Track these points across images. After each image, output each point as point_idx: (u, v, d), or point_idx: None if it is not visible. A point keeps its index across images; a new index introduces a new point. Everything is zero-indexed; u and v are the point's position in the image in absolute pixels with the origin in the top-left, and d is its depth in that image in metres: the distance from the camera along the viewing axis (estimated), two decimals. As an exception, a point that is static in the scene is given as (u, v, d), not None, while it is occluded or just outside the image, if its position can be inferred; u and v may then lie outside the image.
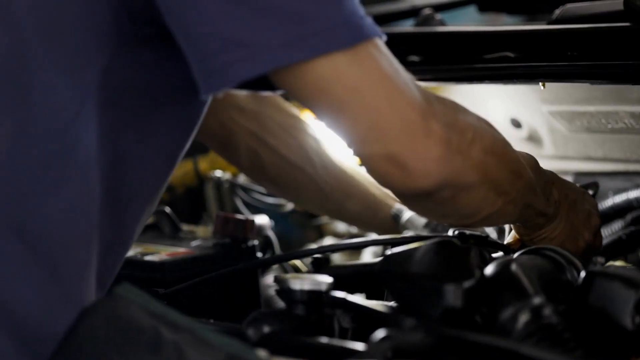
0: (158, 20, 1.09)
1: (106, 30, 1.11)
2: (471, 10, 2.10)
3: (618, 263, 1.64)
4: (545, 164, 1.49)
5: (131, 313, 1.09)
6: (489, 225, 1.29)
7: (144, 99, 1.16)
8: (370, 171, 1.12)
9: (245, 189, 1.89)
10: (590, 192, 1.47)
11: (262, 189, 1.90)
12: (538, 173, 1.29)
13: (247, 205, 1.91)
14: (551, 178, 1.33)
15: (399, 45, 1.70)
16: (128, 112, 1.15)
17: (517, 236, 1.40)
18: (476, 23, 2.26)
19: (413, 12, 1.92)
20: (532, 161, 1.30)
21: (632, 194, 1.69)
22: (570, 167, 1.77)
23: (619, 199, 1.73)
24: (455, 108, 1.15)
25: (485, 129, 1.18)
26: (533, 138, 1.79)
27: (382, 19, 2.06)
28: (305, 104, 1.10)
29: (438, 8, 1.91)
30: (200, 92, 1.08)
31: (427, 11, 1.81)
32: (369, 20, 1.08)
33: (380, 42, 1.09)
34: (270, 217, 1.77)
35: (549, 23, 1.62)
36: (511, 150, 1.23)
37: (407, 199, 1.19)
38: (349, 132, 1.10)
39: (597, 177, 1.77)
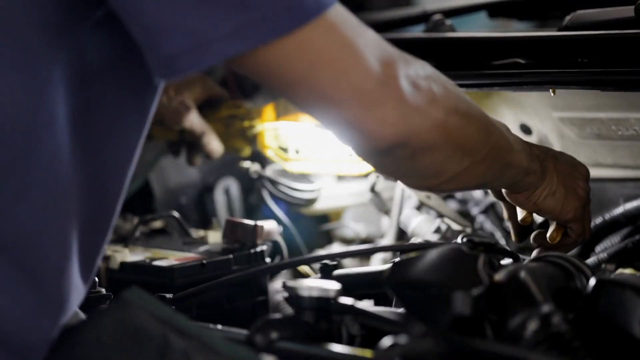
0: (105, 3, 1.08)
1: (55, 20, 1.09)
2: (482, 16, 2.09)
3: (628, 271, 1.64)
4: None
5: (139, 319, 1.09)
6: (462, 187, 1.29)
7: (104, 83, 1.14)
8: (330, 131, 1.16)
9: (273, 182, 1.88)
10: None
11: (289, 182, 1.89)
12: (512, 134, 1.32)
13: (274, 197, 1.90)
14: (531, 144, 1.37)
15: (408, 51, 1.73)
16: (90, 99, 1.13)
17: (526, 212, 1.43)
18: (487, 29, 2.25)
19: (424, 18, 1.92)
20: (504, 125, 1.32)
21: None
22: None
23: (630, 205, 1.73)
24: (419, 69, 1.16)
25: (449, 89, 1.19)
26: (543, 144, 1.78)
27: (392, 25, 2.06)
28: (262, 84, 1.14)
29: (448, 14, 1.90)
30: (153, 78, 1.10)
31: (437, 17, 1.80)
32: None
33: (331, 14, 1.08)
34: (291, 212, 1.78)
35: (559, 30, 1.62)
36: (478, 110, 1.24)
37: (366, 157, 1.22)
38: (303, 106, 1.13)
39: (607, 183, 1.78)
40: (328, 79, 1.09)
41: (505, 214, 1.49)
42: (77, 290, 1.16)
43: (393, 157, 1.17)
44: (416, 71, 1.16)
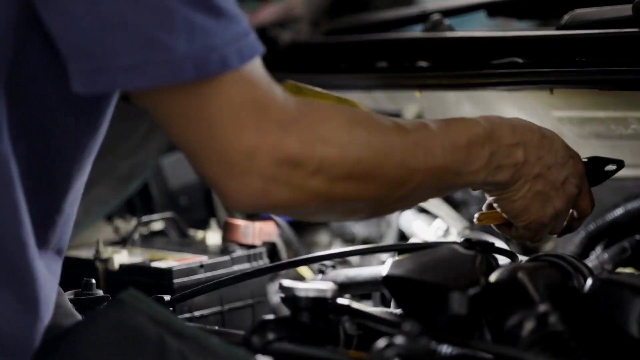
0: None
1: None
2: (481, 16, 2.09)
3: (628, 270, 1.64)
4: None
5: (136, 320, 1.09)
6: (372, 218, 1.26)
7: (53, 87, 1.13)
8: None
9: None
10: (613, 167, 1.43)
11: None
12: (481, 146, 1.25)
13: None
14: (524, 137, 1.29)
15: (407, 50, 1.73)
16: (39, 103, 1.13)
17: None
18: (487, 28, 2.25)
19: (423, 18, 1.92)
20: (472, 134, 1.25)
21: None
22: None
23: (630, 205, 1.73)
24: (312, 135, 1.11)
25: (345, 155, 1.13)
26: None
27: (392, 25, 2.06)
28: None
29: (447, 13, 1.90)
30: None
31: (435, 16, 1.80)
32: (223, 52, 1.06)
33: (233, 75, 1.07)
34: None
35: (558, 28, 1.62)
36: (392, 164, 1.17)
37: None
38: (177, 146, 1.12)
39: (606, 182, 1.78)
40: (197, 136, 1.08)
41: None
42: (48, 283, 1.15)
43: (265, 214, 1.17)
44: (308, 138, 1.11)
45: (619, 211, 1.76)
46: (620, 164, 1.44)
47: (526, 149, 1.29)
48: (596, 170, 1.41)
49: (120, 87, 1.06)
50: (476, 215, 1.38)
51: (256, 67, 1.10)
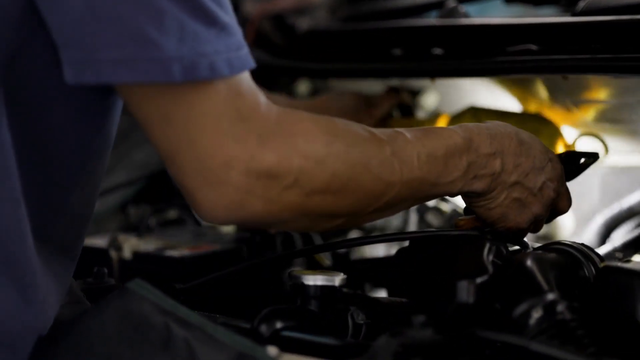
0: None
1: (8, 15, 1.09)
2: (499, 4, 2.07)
3: (641, 258, 1.63)
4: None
5: (142, 309, 1.10)
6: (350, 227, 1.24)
7: (52, 80, 1.12)
8: None
9: None
10: (588, 160, 1.43)
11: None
12: (459, 157, 1.23)
13: None
14: (502, 147, 1.27)
15: (422, 38, 1.73)
16: (39, 95, 1.13)
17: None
18: (509, 15, 2.23)
19: (440, 4, 1.91)
20: (451, 144, 1.23)
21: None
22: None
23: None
24: (289, 148, 1.10)
25: (322, 168, 1.12)
26: (556, 132, 1.77)
27: (410, 11, 2.06)
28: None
29: (463, 0, 1.89)
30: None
31: (451, 3, 1.80)
32: (212, 59, 1.06)
33: (222, 83, 1.07)
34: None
35: (573, 15, 1.61)
36: (367, 177, 1.16)
37: None
38: (154, 147, 1.11)
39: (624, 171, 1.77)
40: (176, 139, 1.07)
41: None
42: (57, 279, 1.17)
43: (239, 225, 1.16)
44: (285, 150, 1.10)
45: (635, 198, 1.75)
46: (595, 156, 1.44)
47: (504, 157, 1.28)
48: (572, 164, 1.40)
49: (106, 79, 1.05)
50: (455, 220, 1.37)
51: (245, 78, 1.10)
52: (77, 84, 1.06)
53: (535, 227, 1.35)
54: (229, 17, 1.09)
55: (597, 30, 1.52)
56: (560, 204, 1.37)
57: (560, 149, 1.63)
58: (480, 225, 1.33)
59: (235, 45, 1.08)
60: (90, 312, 1.12)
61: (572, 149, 1.62)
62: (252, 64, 1.10)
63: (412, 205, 1.27)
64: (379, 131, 1.19)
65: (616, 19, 1.52)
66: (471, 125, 1.27)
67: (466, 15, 1.77)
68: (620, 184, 1.76)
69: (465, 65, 1.64)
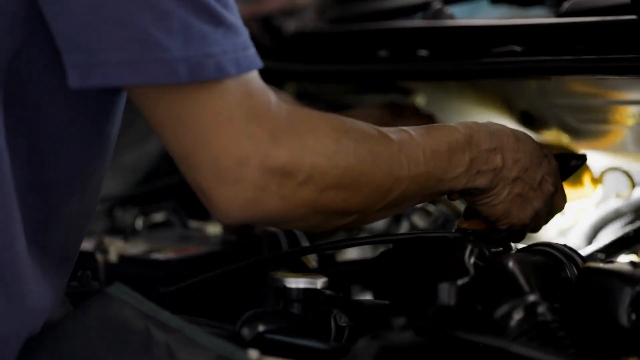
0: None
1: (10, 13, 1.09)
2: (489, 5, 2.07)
3: (631, 257, 1.63)
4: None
5: (123, 313, 1.10)
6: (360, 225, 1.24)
7: (55, 82, 1.13)
8: None
9: None
10: (577, 162, 1.46)
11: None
12: (461, 153, 1.25)
13: None
14: (501, 143, 1.30)
15: (407, 39, 1.73)
16: (37, 99, 1.13)
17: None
18: (501, 16, 2.23)
19: (425, 6, 1.91)
20: (452, 140, 1.25)
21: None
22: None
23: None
24: (302, 145, 1.12)
25: (334, 165, 1.14)
26: (543, 131, 1.77)
27: (398, 12, 2.06)
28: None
29: (449, 1, 1.89)
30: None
31: (436, 5, 1.80)
32: (219, 59, 1.07)
33: (230, 82, 1.08)
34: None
35: (558, 16, 1.61)
36: (376, 173, 1.17)
37: None
38: (167, 149, 1.11)
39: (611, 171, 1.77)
40: (191, 139, 1.08)
41: None
42: (51, 285, 1.17)
43: (254, 224, 1.16)
44: (298, 148, 1.11)
45: (621, 200, 1.75)
46: (583, 158, 1.46)
47: (503, 153, 1.30)
48: (563, 166, 1.42)
49: (112, 82, 1.05)
50: (457, 223, 1.38)
51: (254, 78, 1.10)
52: (82, 88, 1.06)
53: (536, 223, 1.36)
54: (234, 17, 1.10)
55: (581, 31, 1.52)
56: (556, 199, 1.38)
57: (586, 180, 1.64)
58: (485, 227, 1.35)
59: (242, 45, 1.09)
60: (71, 317, 1.12)
61: (599, 182, 1.64)
62: (260, 63, 1.11)
63: (419, 202, 1.30)
64: (384, 128, 1.21)
65: (600, 20, 1.52)
66: (470, 122, 1.30)
67: (451, 17, 1.77)
68: (611, 186, 1.76)
69: (450, 66, 1.64)
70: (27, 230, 1.14)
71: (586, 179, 1.63)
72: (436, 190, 1.25)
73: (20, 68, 1.10)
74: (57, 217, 1.18)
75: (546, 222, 1.40)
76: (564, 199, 1.39)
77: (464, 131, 1.27)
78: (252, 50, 1.10)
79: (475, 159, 1.27)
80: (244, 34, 1.10)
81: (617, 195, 1.66)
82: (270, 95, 1.12)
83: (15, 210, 1.12)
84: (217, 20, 1.07)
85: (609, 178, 1.65)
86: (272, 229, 1.67)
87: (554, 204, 1.38)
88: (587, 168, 1.64)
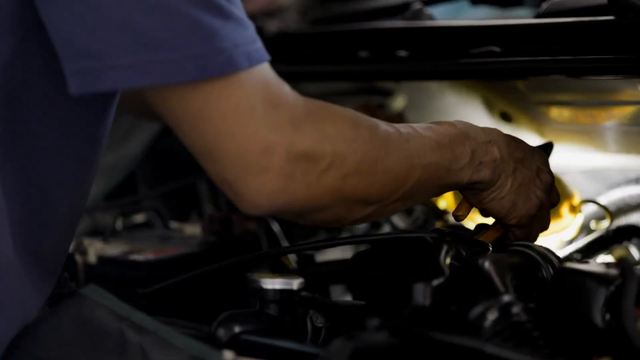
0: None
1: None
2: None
3: (608, 258, 1.64)
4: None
5: (97, 315, 1.10)
6: (376, 219, 1.26)
7: (38, 93, 1.14)
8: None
9: None
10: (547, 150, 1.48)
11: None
12: (463, 144, 1.28)
13: None
14: (493, 137, 1.32)
15: (387, 40, 1.73)
16: (30, 104, 1.13)
17: (465, 203, 1.39)
18: (485, 17, 2.23)
19: (405, 7, 1.91)
20: (452, 133, 1.28)
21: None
22: (560, 162, 1.76)
23: (613, 194, 1.73)
24: (322, 132, 1.13)
25: (354, 150, 1.15)
26: (522, 132, 1.78)
27: (380, 13, 2.06)
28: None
29: (429, 2, 1.90)
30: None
31: (416, 5, 1.80)
32: (235, 52, 1.07)
33: (242, 75, 1.08)
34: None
35: (536, 16, 1.61)
36: (393, 160, 1.20)
37: None
38: (189, 150, 1.12)
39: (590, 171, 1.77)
40: (213, 134, 1.08)
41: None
42: (36, 290, 1.17)
43: (284, 216, 1.18)
44: (318, 135, 1.13)
45: (602, 200, 1.75)
46: (551, 146, 1.50)
47: (499, 146, 1.33)
48: None
49: (121, 85, 1.05)
50: (484, 235, 1.40)
51: (267, 69, 1.11)
52: (87, 94, 1.06)
53: (542, 216, 1.40)
54: (240, 11, 1.10)
55: (559, 32, 1.53)
56: (554, 191, 1.42)
57: (565, 211, 1.65)
58: (503, 232, 1.39)
59: (251, 38, 1.10)
60: (45, 318, 1.12)
61: (578, 210, 1.65)
62: (268, 56, 1.11)
63: (431, 195, 1.31)
64: (388, 123, 1.23)
65: (578, 21, 1.52)
66: (461, 120, 1.32)
67: (431, 18, 1.77)
68: (587, 186, 1.76)
69: (429, 67, 1.64)
70: (17, 238, 1.14)
71: (565, 210, 1.65)
72: (445, 182, 1.27)
73: (13, 74, 1.10)
74: (47, 224, 1.19)
75: (549, 217, 1.43)
76: (558, 194, 1.43)
77: (459, 126, 1.30)
78: (260, 43, 1.11)
79: (475, 150, 1.29)
80: (251, 27, 1.11)
81: (596, 225, 1.67)
82: (285, 86, 1.13)
83: (3, 217, 1.12)
84: (226, 15, 1.07)
85: (585, 209, 1.67)
86: (252, 228, 1.68)
87: (551, 196, 1.41)
88: (567, 197, 1.65)
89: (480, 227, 1.42)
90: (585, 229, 1.73)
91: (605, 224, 1.66)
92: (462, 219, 1.39)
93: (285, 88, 1.13)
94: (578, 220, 1.66)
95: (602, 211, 1.68)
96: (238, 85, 1.08)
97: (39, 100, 1.13)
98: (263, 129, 1.09)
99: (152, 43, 1.04)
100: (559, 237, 1.64)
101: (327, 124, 1.14)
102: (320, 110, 1.15)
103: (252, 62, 1.09)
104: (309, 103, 1.14)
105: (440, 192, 1.32)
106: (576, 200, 1.67)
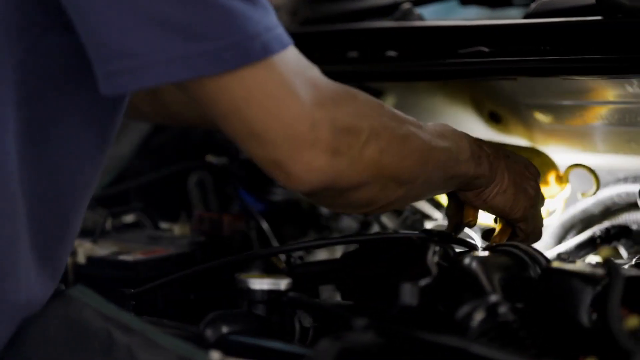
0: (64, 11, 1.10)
1: (15, 23, 1.10)
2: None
3: (597, 258, 1.64)
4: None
5: (84, 315, 1.10)
6: (402, 206, 1.34)
7: (59, 94, 1.15)
8: (260, 167, 1.17)
9: (239, 174, 1.88)
10: None
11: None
12: (461, 139, 1.32)
13: (247, 189, 1.89)
14: (478, 139, 1.37)
15: (376, 40, 1.73)
16: (42, 109, 1.14)
17: (471, 209, 1.41)
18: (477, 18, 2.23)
19: (395, 7, 1.91)
20: (449, 129, 1.33)
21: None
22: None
23: (601, 194, 1.73)
24: (361, 109, 1.18)
25: (384, 126, 1.19)
26: (512, 131, 1.78)
27: (370, 13, 2.06)
28: (199, 109, 1.14)
29: (418, 3, 1.90)
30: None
31: (405, 6, 1.80)
32: (266, 37, 1.09)
33: (277, 58, 1.10)
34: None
35: (525, 17, 1.62)
36: (417, 139, 1.24)
37: (295, 192, 1.23)
38: (235, 138, 1.14)
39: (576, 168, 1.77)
40: (260, 116, 1.10)
41: (447, 210, 1.48)
42: (38, 291, 1.17)
43: (322, 196, 1.19)
44: (354, 111, 1.17)
45: (590, 200, 1.76)
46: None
47: (486, 145, 1.37)
48: None
49: (161, 81, 1.07)
50: (493, 236, 1.45)
51: (295, 50, 1.14)
52: (121, 94, 1.08)
53: (537, 209, 1.44)
54: None
55: (547, 32, 1.53)
56: (537, 218, 1.46)
57: (552, 179, 1.65)
58: (509, 232, 1.42)
59: (277, 22, 1.12)
60: (32, 319, 1.12)
61: (564, 180, 1.65)
62: (291, 40, 1.14)
63: (442, 186, 1.34)
64: None
65: (566, 21, 1.52)
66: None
67: (420, 18, 1.78)
68: (575, 185, 1.76)
69: (418, 67, 1.65)
70: (32, 237, 1.15)
71: (551, 178, 1.64)
72: (454, 172, 1.31)
73: (34, 73, 1.12)
74: (59, 222, 1.20)
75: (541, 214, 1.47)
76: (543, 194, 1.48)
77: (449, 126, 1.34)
78: (282, 28, 1.13)
79: (471, 145, 1.33)
80: (273, 12, 1.13)
81: (583, 195, 1.66)
82: (315, 66, 1.17)
83: (22, 215, 1.13)
84: (254, 1, 1.09)
85: (573, 176, 1.66)
86: (241, 229, 1.68)
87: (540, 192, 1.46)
88: (553, 166, 1.64)
89: (488, 232, 1.45)
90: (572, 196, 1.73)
91: (592, 189, 1.65)
92: (474, 224, 1.42)
93: (316, 68, 1.16)
94: (566, 191, 1.65)
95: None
96: (277, 68, 1.10)
97: (58, 105, 1.15)
98: (307, 106, 1.11)
99: (188, 36, 1.05)
100: (545, 207, 1.64)
101: (358, 102, 1.18)
102: (348, 90, 1.19)
103: (283, 44, 1.11)
104: (337, 84, 1.18)
105: (449, 185, 1.35)
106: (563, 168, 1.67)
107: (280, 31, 1.11)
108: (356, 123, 1.16)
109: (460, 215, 1.41)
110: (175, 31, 1.05)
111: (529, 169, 1.43)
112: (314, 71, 1.16)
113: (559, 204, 1.67)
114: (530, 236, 1.44)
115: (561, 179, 1.64)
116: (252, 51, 1.07)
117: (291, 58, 1.12)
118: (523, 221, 1.42)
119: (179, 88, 1.13)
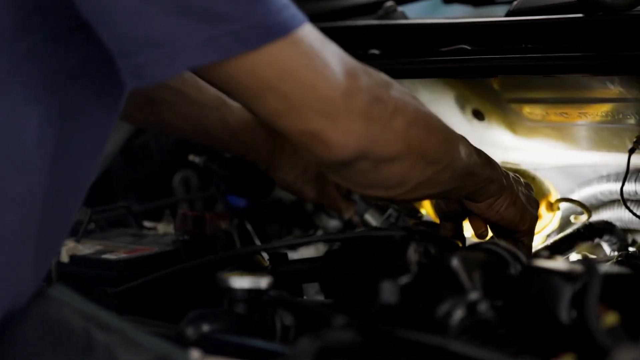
0: (76, 14, 1.10)
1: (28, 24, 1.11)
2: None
3: (581, 255, 1.65)
4: (508, 155, 1.50)
5: (63, 315, 1.10)
6: (425, 196, 1.32)
7: (76, 89, 1.15)
8: (293, 143, 1.18)
9: (222, 173, 1.87)
10: None
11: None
12: (469, 143, 1.33)
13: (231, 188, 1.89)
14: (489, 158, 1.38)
15: (359, 38, 1.73)
16: (60, 106, 1.15)
17: (481, 222, 1.42)
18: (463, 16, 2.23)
19: (377, 6, 1.91)
20: (464, 137, 1.33)
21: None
22: (532, 159, 1.77)
23: (584, 192, 1.74)
24: (381, 81, 1.20)
25: (408, 101, 1.22)
26: (494, 129, 1.78)
27: (355, 11, 2.06)
28: (228, 95, 1.19)
29: (400, 1, 1.90)
30: (125, 85, 1.12)
31: (388, 4, 1.80)
32: (286, 14, 1.10)
33: (300, 32, 1.11)
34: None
35: (507, 15, 1.62)
36: (438, 121, 1.27)
37: (329, 168, 1.23)
38: (270, 117, 1.15)
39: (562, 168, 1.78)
40: (295, 90, 1.11)
41: (442, 230, 1.49)
42: (29, 287, 1.17)
43: (356, 169, 1.20)
44: (378, 83, 1.19)
45: (574, 197, 1.76)
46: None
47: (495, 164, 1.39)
48: None
49: (191, 64, 1.07)
50: None
51: (312, 26, 1.14)
52: (150, 84, 1.08)
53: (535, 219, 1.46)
54: None
55: (529, 30, 1.54)
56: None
57: (543, 210, 1.67)
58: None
59: (290, 1, 1.12)
60: (10, 319, 1.12)
61: (555, 207, 1.66)
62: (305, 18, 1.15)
63: (464, 183, 1.34)
64: None
65: (548, 19, 1.53)
66: None
67: (403, 16, 1.78)
68: (558, 183, 1.77)
69: (401, 65, 1.65)
70: (36, 235, 1.16)
71: (544, 204, 1.66)
72: (474, 169, 1.33)
73: (53, 71, 1.12)
74: (57, 221, 1.20)
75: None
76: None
77: None
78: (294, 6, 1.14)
79: (478, 151, 1.35)
80: None
81: (575, 219, 1.68)
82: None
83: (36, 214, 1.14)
84: None
85: (563, 206, 1.69)
86: (225, 227, 1.68)
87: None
88: (544, 196, 1.66)
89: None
90: (564, 223, 1.74)
91: (584, 218, 1.68)
92: (487, 235, 1.44)
93: (331, 41, 1.17)
94: (556, 218, 1.67)
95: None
96: (304, 41, 1.11)
97: (76, 97, 1.15)
98: (339, 75, 1.13)
99: (213, 18, 1.06)
100: (540, 235, 1.65)
101: (380, 74, 1.20)
102: (362, 64, 1.19)
103: (302, 19, 1.12)
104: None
105: (467, 184, 1.35)
106: (553, 198, 1.68)
107: (295, 7, 1.12)
108: (382, 93, 1.18)
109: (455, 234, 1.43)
110: (200, 15, 1.05)
111: (527, 186, 1.46)
112: (332, 43, 1.16)
113: (550, 229, 1.69)
114: (529, 251, 1.46)
115: (552, 207, 1.66)
116: (278, 27, 1.08)
117: (312, 32, 1.13)
118: (527, 235, 1.43)
119: (206, 76, 1.14)
